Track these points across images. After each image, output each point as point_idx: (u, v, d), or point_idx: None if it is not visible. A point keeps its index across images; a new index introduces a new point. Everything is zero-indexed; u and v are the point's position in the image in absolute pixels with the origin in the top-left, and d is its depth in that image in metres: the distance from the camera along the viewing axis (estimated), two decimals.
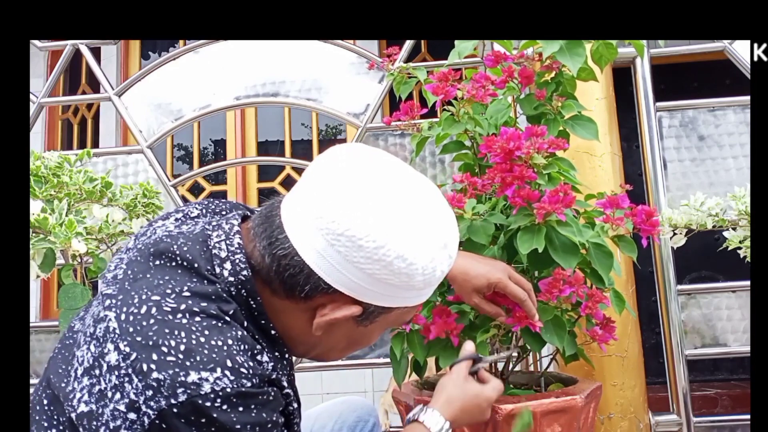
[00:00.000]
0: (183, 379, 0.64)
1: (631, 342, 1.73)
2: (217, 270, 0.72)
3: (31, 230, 1.41)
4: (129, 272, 0.73)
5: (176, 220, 0.81)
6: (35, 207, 1.42)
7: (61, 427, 0.71)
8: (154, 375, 0.64)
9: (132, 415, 0.65)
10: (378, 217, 0.67)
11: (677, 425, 1.80)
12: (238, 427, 0.66)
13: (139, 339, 0.66)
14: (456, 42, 1.37)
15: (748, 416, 1.82)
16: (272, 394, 0.70)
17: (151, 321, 0.67)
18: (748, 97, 1.92)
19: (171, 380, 0.64)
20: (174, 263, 0.72)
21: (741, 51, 1.93)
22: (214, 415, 0.64)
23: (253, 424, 0.67)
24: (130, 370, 0.65)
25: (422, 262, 0.69)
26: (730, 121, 1.96)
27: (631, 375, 1.72)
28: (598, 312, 1.15)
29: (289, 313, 0.74)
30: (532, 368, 1.78)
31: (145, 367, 0.65)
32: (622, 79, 2.02)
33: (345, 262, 0.68)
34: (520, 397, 1.16)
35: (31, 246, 1.39)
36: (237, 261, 0.72)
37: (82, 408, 0.68)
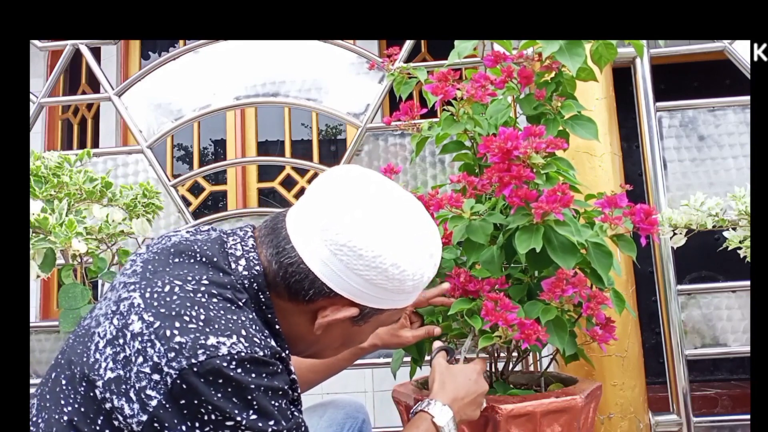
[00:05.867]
0: (203, 342, 0.71)
1: (631, 342, 1.73)
2: (233, 266, 0.81)
3: (31, 230, 1.41)
4: (149, 266, 0.81)
5: (188, 232, 0.88)
6: (35, 207, 1.42)
7: (76, 405, 0.75)
8: (177, 339, 0.71)
9: (156, 376, 0.70)
10: (376, 231, 0.77)
11: (677, 425, 1.80)
12: (253, 386, 0.71)
13: (162, 310, 0.74)
14: (456, 42, 1.37)
15: (748, 416, 1.82)
16: (281, 368, 0.76)
17: (174, 297, 0.75)
18: (748, 97, 1.92)
19: (192, 342, 0.70)
20: (193, 260, 0.81)
21: (741, 51, 1.93)
22: (231, 374, 0.70)
23: (266, 388, 0.73)
24: (153, 336, 0.72)
25: (412, 269, 0.79)
26: (730, 121, 1.96)
27: (631, 375, 1.72)
28: (600, 313, 1.15)
29: (291, 314, 0.83)
30: (532, 368, 1.78)
31: (168, 333, 0.71)
32: (622, 79, 2.02)
33: (346, 270, 0.77)
34: (520, 397, 1.16)
35: (31, 246, 1.40)
36: (251, 258, 0.82)
37: (109, 375, 0.73)
